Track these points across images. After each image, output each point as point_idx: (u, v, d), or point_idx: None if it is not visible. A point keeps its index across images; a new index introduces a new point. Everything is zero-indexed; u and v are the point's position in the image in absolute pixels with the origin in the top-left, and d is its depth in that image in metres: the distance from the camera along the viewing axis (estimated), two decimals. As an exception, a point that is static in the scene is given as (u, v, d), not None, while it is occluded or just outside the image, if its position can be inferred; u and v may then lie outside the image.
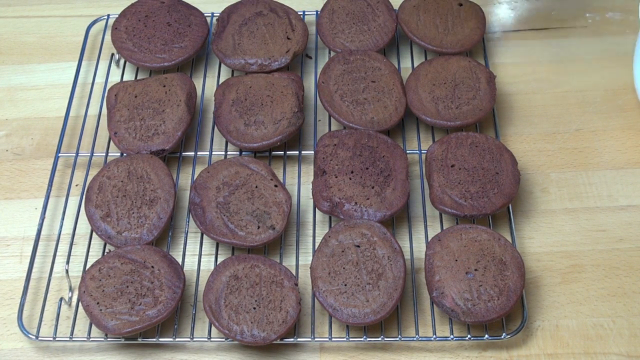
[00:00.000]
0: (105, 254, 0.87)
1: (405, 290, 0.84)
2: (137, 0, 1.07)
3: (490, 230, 0.85)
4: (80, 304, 0.84)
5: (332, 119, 0.97)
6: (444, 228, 0.89)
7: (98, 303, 0.82)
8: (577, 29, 1.08)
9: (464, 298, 0.80)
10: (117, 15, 1.06)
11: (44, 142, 0.99)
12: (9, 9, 1.14)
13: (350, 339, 0.83)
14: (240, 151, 0.95)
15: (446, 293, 0.81)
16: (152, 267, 0.84)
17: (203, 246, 0.89)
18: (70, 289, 0.86)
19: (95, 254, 0.89)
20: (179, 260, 0.87)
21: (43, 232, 0.91)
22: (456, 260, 0.83)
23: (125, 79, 1.04)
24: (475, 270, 0.82)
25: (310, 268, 0.84)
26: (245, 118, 0.95)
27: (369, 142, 0.92)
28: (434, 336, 0.82)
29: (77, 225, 0.90)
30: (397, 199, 0.88)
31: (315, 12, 1.08)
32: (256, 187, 0.89)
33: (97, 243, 0.90)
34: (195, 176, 0.92)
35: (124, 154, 0.94)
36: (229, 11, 1.05)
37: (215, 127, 0.97)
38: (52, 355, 0.84)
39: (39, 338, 0.83)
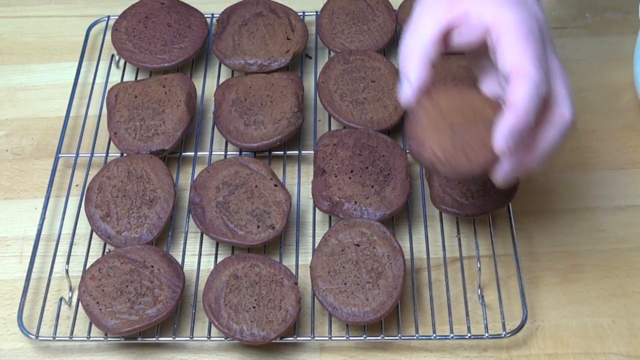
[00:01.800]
0: (105, 253, 0.87)
1: (405, 289, 0.84)
2: (137, 1, 1.07)
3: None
4: (80, 303, 0.83)
5: (332, 118, 0.97)
6: (443, 225, 0.89)
7: (98, 302, 0.82)
8: (577, 29, 1.08)
9: (443, 148, 0.73)
10: (117, 17, 1.06)
11: (44, 142, 0.99)
12: (9, 9, 1.14)
13: (350, 338, 0.83)
14: (240, 151, 0.95)
15: (426, 145, 0.73)
16: (152, 266, 0.84)
17: (203, 246, 0.89)
18: (70, 289, 0.86)
19: (95, 254, 0.89)
20: (179, 260, 0.87)
21: (43, 232, 0.91)
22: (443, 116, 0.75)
23: (125, 79, 1.04)
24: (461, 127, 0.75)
25: (309, 267, 0.84)
26: (245, 118, 0.95)
27: (369, 142, 0.92)
28: (434, 335, 0.82)
29: (77, 225, 0.90)
30: (397, 198, 0.88)
31: (315, 13, 1.08)
32: (256, 186, 0.89)
33: (97, 243, 0.90)
34: (195, 176, 0.92)
35: (124, 154, 0.94)
36: (228, 12, 1.05)
37: (215, 127, 0.97)
38: (52, 355, 0.84)
39: (39, 338, 0.83)
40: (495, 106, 0.74)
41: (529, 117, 0.69)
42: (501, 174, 0.72)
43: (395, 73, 0.98)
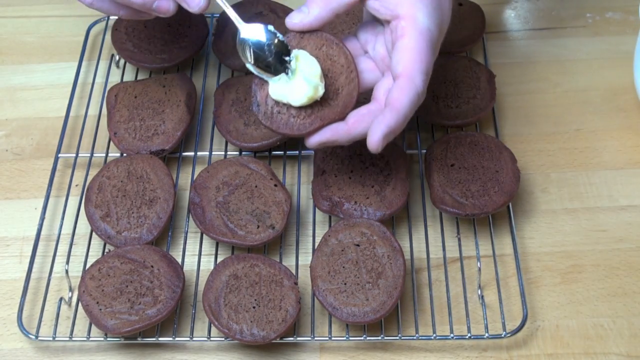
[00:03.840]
0: (105, 253, 0.87)
1: (405, 289, 0.84)
2: (137, 1, 1.07)
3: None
4: (80, 303, 0.83)
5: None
6: (443, 225, 0.89)
7: (98, 303, 0.82)
8: (577, 29, 1.08)
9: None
10: (117, 17, 1.05)
11: (44, 142, 0.99)
12: (9, 9, 1.14)
13: (350, 338, 0.83)
14: (240, 151, 0.95)
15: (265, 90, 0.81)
16: (152, 266, 0.84)
17: (203, 246, 0.89)
18: (70, 289, 0.86)
19: (95, 254, 0.89)
20: (179, 260, 0.87)
21: (43, 232, 0.91)
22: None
23: (125, 79, 1.04)
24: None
25: (309, 267, 0.84)
26: (245, 118, 0.95)
27: (369, 142, 0.92)
28: (434, 335, 0.82)
29: (77, 225, 0.90)
30: (397, 198, 0.88)
31: (315, 13, 1.08)
32: (256, 186, 0.89)
33: (96, 243, 0.90)
34: (195, 176, 0.92)
35: (124, 154, 0.94)
36: (229, 12, 1.05)
37: (215, 127, 0.97)
38: (52, 355, 0.84)
39: (39, 338, 0.83)
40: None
41: (405, 121, 0.76)
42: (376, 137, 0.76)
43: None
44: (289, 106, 0.79)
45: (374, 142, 0.75)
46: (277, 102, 0.79)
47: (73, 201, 0.93)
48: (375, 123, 0.75)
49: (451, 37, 1.01)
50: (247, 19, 1.03)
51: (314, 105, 0.79)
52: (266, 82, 0.80)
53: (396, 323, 0.84)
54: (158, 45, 1.02)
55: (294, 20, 0.81)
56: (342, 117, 0.79)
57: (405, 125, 0.76)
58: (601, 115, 1.00)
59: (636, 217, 0.92)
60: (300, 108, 0.79)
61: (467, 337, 0.82)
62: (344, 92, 0.79)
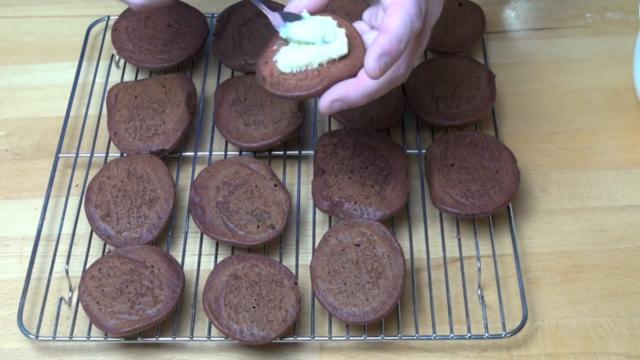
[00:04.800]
0: (105, 253, 0.87)
1: (405, 289, 0.84)
2: (137, 0, 1.07)
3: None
4: (80, 303, 0.83)
5: (332, 118, 0.97)
6: (443, 225, 0.89)
7: (98, 302, 0.82)
8: (577, 29, 1.08)
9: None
10: (117, 17, 1.06)
11: (44, 142, 0.99)
12: (9, 9, 1.14)
13: (350, 338, 0.83)
14: (240, 151, 0.95)
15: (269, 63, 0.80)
16: (152, 266, 0.84)
17: (203, 246, 0.89)
18: (70, 289, 0.86)
19: (95, 254, 0.89)
20: (179, 260, 0.87)
21: (43, 232, 0.91)
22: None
23: (125, 79, 1.04)
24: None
25: (309, 267, 0.84)
26: (245, 118, 0.95)
27: (369, 142, 0.92)
28: (434, 335, 0.82)
29: (77, 225, 0.90)
30: (397, 198, 0.88)
31: (315, 13, 1.08)
32: (256, 186, 0.89)
33: (97, 243, 0.90)
34: (195, 176, 0.92)
35: (124, 154, 0.94)
36: (228, 12, 1.05)
37: (215, 127, 0.97)
38: (52, 355, 0.84)
39: (39, 338, 0.83)
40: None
41: (401, 45, 0.72)
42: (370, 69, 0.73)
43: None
44: (294, 73, 0.78)
45: (370, 65, 0.72)
46: (282, 73, 0.78)
47: (73, 201, 0.93)
48: (369, 48, 0.73)
49: (451, 37, 1.02)
50: (248, 19, 1.04)
51: (321, 68, 0.77)
52: (270, 59, 0.79)
53: (396, 323, 0.84)
54: (158, 45, 1.02)
55: (291, 6, 0.79)
56: (352, 75, 0.77)
57: (403, 51, 0.72)
58: (601, 115, 1.00)
59: (636, 217, 0.92)
60: (307, 71, 0.77)
61: (467, 337, 0.82)
62: (351, 55, 0.77)
